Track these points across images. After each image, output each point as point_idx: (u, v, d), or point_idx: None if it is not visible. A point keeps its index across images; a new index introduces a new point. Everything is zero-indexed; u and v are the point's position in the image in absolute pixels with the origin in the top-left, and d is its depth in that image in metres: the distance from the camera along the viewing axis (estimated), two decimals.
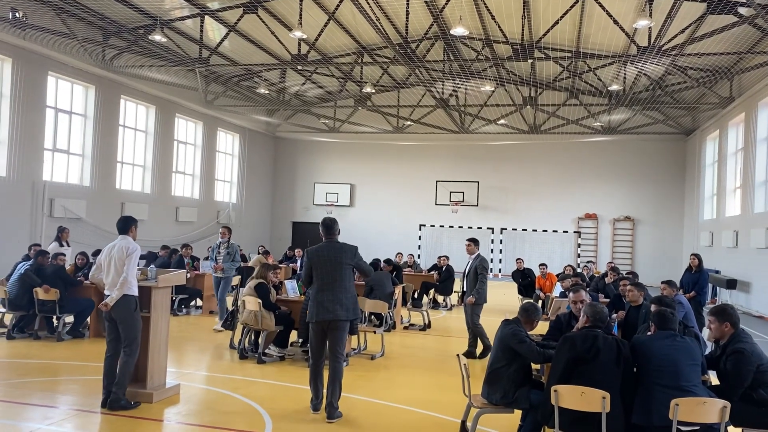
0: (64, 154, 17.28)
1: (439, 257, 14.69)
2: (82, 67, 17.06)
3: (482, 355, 8.73)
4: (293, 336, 9.00)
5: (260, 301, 8.11)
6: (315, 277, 5.73)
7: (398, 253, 16.07)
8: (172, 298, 11.65)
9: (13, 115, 15.28)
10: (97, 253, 10.09)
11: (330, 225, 5.83)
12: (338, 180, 27.33)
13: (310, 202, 27.59)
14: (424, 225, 26.11)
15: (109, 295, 5.93)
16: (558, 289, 11.09)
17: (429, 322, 11.48)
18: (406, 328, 11.39)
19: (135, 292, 5.97)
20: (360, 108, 23.29)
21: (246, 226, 26.03)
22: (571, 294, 5.99)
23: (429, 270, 14.71)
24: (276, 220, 28.13)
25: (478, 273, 8.87)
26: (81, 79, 17.41)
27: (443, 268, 14.27)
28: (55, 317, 9.37)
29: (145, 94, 19.78)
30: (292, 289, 9.01)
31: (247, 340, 8.53)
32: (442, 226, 26.02)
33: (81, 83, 17.64)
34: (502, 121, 23.41)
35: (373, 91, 20.71)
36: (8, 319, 9.72)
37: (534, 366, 5.29)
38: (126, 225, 6.13)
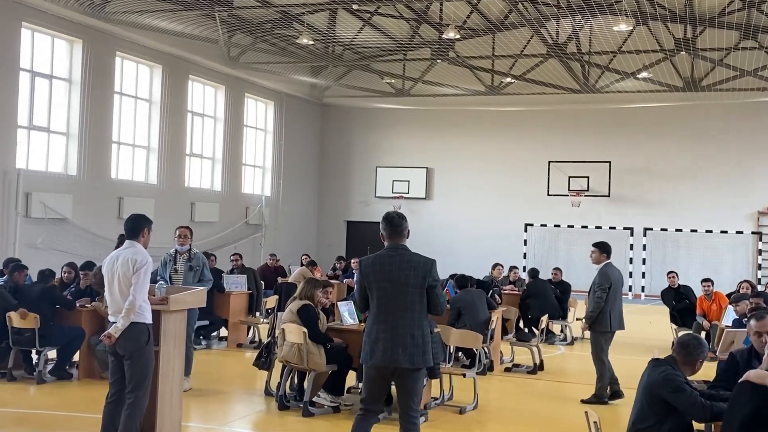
0: (42, 133, 18.12)
1: (512, 269, 15.49)
2: (66, 15, 17.81)
3: (613, 397, 9.03)
4: (351, 378, 9.07)
5: (305, 330, 8.21)
6: (371, 301, 5.69)
7: (496, 265, 15.94)
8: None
9: None
10: (87, 266, 10.51)
11: (395, 222, 5.69)
12: (409, 162, 27.46)
13: (371, 193, 27.86)
14: (532, 224, 25.85)
15: (113, 324, 6.14)
16: (730, 315, 10.99)
17: (541, 361, 11.36)
18: (508, 369, 11.37)
19: (147, 319, 6.16)
20: (439, 61, 23.25)
21: (284, 228, 26.52)
22: (752, 322, 5.79)
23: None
24: (324, 220, 28.52)
25: (594, 290, 9.09)
26: (64, 31, 18.18)
27: (524, 284, 14.51)
28: (34, 351, 9.75)
29: (147, 50, 20.50)
30: (348, 313, 9.08)
31: (288, 383, 8.64)
32: (558, 226, 25.68)
33: (65, 37, 18.42)
34: (644, 75, 22.87)
35: (458, 36, 20.65)
36: None
37: (697, 426, 5.18)
38: (137, 227, 6.32)
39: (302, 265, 16.89)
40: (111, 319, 6.22)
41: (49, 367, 9.80)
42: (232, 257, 14.88)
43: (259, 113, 26.11)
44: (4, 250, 16.28)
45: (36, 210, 17.17)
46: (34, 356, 9.84)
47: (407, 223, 5.75)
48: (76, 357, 9.89)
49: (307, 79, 26.13)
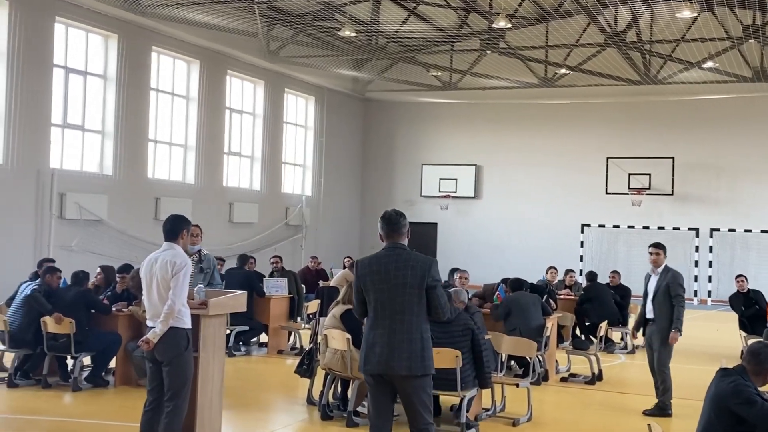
0: (77, 132, 18.47)
1: (567, 272, 15.46)
2: (101, 9, 18.13)
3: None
4: None
5: (349, 336, 8.23)
6: (368, 305, 5.63)
7: (550, 268, 15.82)
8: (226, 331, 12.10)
9: None
10: (125, 269, 10.67)
11: (392, 220, 5.69)
12: (457, 159, 27.42)
13: (417, 192, 27.86)
14: (589, 225, 25.61)
15: (151, 329, 6.22)
16: None
17: (599, 371, 11.25)
18: (564, 379, 11.30)
19: (186, 324, 6.24)
20: (489, 52, 23.14)
21: (326, 229, 26.66)
22: None
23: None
24: (368, 220, 28.59)
25: (672, 295, 8.99)
26: (99, 26, 18.51)
27: (580, 288, 14.45)
28: (69, 358, 9.95)
29: (183, 44, 20.79)
30: None
31: (331, 392, 8.68)
32: (617, 227, 25.40)
33: (100, 32, 18.76)
34: (709, 65, 22.49)
35: (509, 25, 20.52)
36: (10, 359, 10.38)
37: None
38: (175, 228, 6.39)
39: (344, 267, 16.96)
40: (149, 323, 6.31)
41: (85, 373, 9.97)
42: (272, 260, 15.02)
43: (300, 109, 26.29)
44: (38, 252, 16.63)
45: (71, 211, 17.52)
46: (70, 363, 10.01)
47: (406, 221, 5.73)
48: (113, 363, 10.04)
49: (349, 73, 26.24)
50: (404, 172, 28.18)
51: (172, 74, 21.06)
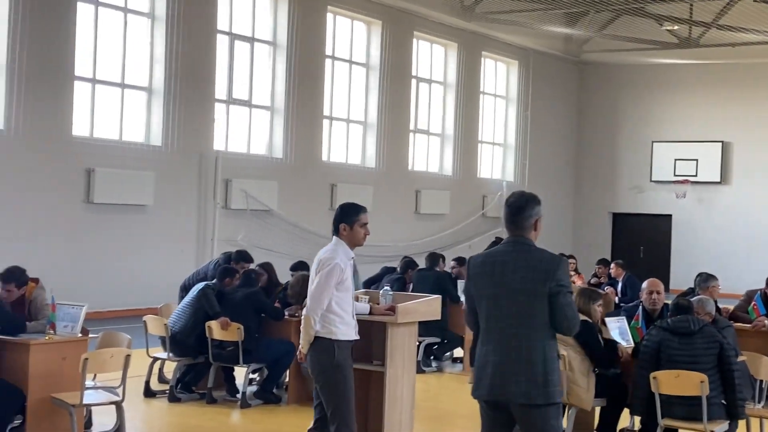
0: (244, 108, 19.33)
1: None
2: None
3: None
4: (624, 418, 8.88)
5: (564, 353, 8.11)
6: (479, 314, 5.46)
7: None
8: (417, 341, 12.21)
9: None
10: (300, 266, 11.01)
11: (514, 206, 5.42)
12: (698, 135, 26.67)
13: (645, 176, 27.30)
14: None
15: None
16: None
17: None
18: None
19: (336, 335, 6.34)
20: None
21: None
22: None
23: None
24: (583, 212, 28.20)
25: None
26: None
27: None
28: (237, 369, 10.34)
29: (362, 2, 21.25)
30: (620, 332, 8.89)
31: None
32: None
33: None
34: None
35: None
36: (171, 369, 10.75)
37: None
38: (335, 220, 6.53)
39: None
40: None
41: (255, 388, 10.37)
42: (452, 263, 14.63)
43: (500, 76, 26.24)
44: (201, 247, 17.56)
45: (237, 200, 18.34)
46: (237, 375, 10.39)
47: (537, 209, 5.41)
48: (286, 376, 10.35)
49: (560, 30, 25.80)
50: (630, 151, 27.66)
51: (351, 40, 21.59)
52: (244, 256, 11.36)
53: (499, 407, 5.37)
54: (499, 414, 5.39)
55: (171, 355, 10.27)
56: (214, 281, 10.54)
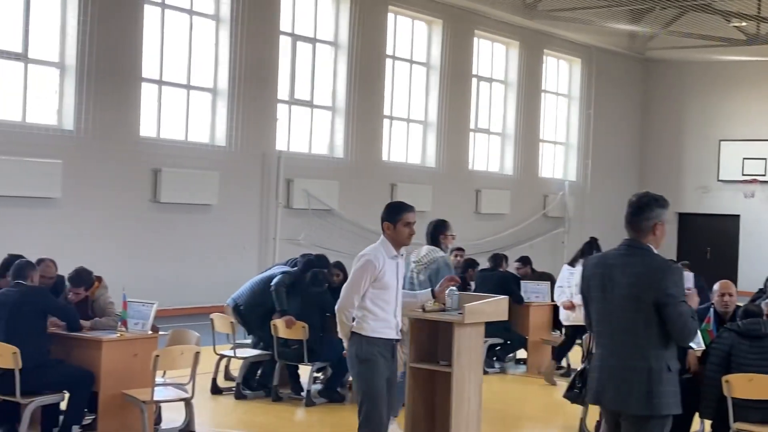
0: (305, 108, 19.46)
1: None
2: None
3: None
4: (695, 424, 8.76)
5: None
6: (592, 317, 5.41)
7: None
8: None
9: None
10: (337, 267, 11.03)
11: (633, 207, 5.30)
12: (767, 134, 26.27)
13: (713, 176, 27.00)
14: None
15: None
16: None
17: None
18: None
19: (366, 331, 6.30)
20: None
21: (594, 221, 26.15)
22: None
23: None
24: None
25: None
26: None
27: None
28: (302, 367, 10.37)
29: (422, 1, 21.26)
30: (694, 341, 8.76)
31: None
32: None
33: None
34: None
35: None
36: (237, 367, 10.77)
37: None
38: (384, 217, 6.48)
39: None
40: None
41: (319, 386, 10.44)
42: (516, 264, 14.55)
43: (562, 74, 26.10)
44: (264, 247, 17.72)
45: (298, 200, 18.48)
46: (303, 373, 10.43)
47: (656, 212, 5.24)
48: (350, 375, 10.40)
49: (624, 27, 25.53)
50: (696, 150, 27.36)
51: (411, 38, 21.60)
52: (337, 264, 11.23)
53: (609, 414, 5.39)
54: (612, 421, 5.38)
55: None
56: (295, 269, 10.53)
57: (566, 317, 11.99)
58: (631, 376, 5.11)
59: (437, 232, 9.42)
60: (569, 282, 12.02)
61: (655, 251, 5.23)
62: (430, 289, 7.29)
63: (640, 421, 5.14)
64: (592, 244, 12.20)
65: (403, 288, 6.66)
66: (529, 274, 13.69)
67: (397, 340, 6.46)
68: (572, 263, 12.25)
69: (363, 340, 6.30)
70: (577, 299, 11.76)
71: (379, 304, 6.31)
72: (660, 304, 5.03)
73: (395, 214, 6.43)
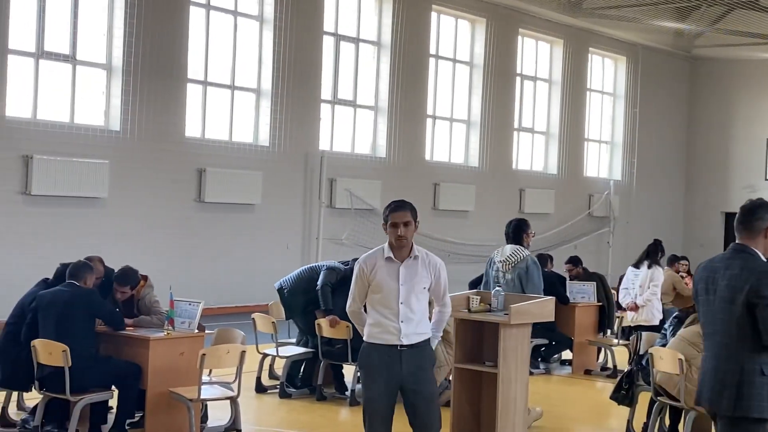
0: (348, 108, 19.55)
1: None
2: None
3: None
4: None
5: (681, 356, 8.00)
6: (701, 321, 5.45)
7: None
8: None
9: None
10: None
11: (743, 212, 5.28)
12: None
13: (760, 175, 26.77)
14: None
15: None
16: None
17: None
18: None
19: (365, 335, 6.26)
20: None
21: (640, 221, 26.05)
22: None
23: None
24: (694, 211, 27.70)
25: None
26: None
27: None
28: (346, 367, 10.41)
29: (465, 0, 21.24)
30: None
31: (657, 424, 8.45)
32: None
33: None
34: None
35: None
36: (281, 366, 10.83)
37: None
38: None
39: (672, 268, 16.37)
40: None
41: (359, 386, 10.45)
42: (566, 266, 14.50)
43: (607, 73, 25.92)
44: (307, 247, 17.78)
45: (341, 199, 18.54)
46: (347, 373, 10.47)
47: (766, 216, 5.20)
48: None
49: (671, 25, 25.30)
50: (744, 149, 27.07)
51: (454, 37, 21.58)
52: None
53: (710, 412, 5.41)
54: (713, 418, 5.42)
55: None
56: (345, 266, 10.41)
57: (632, 318, 11.95)
58: (724, 377, 5.12)
59: (520, 231, 9.36)
60: (633, 284, 11.97)
61: (762, 256, 5.20)
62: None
63: (731, 423, 5.14)
64: (657, 246, 12.14)
65: (485, 288, 6.54)
66: (581, 274, 13.60)
67: (403, 347, 6.12)
68: (637, 265, 12.19)
69: (364, 345, 6.31)
70: (640, 300, 11.77)
71: (377, 308, 6.18)
72: (751, 305, 5.01)
73: (384, 214, 6.38)
